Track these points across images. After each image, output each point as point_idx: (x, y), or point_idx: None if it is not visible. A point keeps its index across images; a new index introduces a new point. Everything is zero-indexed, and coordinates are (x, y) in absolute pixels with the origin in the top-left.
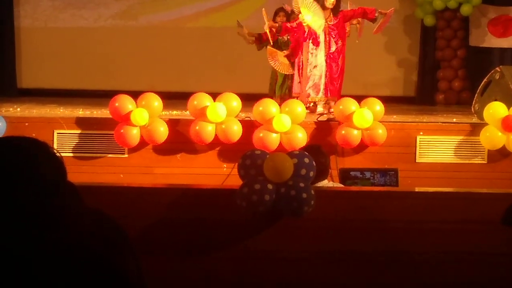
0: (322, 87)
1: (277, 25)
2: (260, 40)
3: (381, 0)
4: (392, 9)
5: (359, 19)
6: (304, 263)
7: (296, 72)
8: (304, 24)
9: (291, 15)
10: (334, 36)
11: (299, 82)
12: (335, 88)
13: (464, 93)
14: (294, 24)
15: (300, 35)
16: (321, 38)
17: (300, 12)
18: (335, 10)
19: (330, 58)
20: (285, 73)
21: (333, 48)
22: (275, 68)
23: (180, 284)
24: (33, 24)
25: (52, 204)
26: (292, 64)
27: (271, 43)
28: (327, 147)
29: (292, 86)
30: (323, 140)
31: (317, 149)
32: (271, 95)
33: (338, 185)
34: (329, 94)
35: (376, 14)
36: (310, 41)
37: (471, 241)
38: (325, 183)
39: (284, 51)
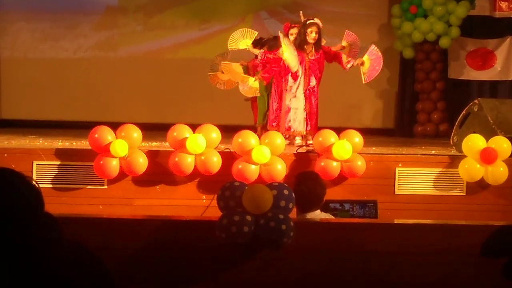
0: (302, 121)
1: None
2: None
3: (360, 32)
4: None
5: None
6: None
7: (272, 103)
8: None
9: (272, 48)
10: (314, 70)
11: (275, 112)
12: (314, 122)
13: (442, 125)
14: (272, 55)
15: (280, 67)
16: (300, 73)
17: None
18: (317, 45)
19: (310, 92)
20: (252, 95)
21: (313, 83)
22: (243, 93)
23: None
24: (12, 55)
25: (30, 235)
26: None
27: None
28: None
29: (269, 117)
30: (305, 171)
31: (314, 178)
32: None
33: (329, 216)
34: (308, 128)
35: (349, 66)
36: (289, 74)
37: (450, 273)
38: (317, 213)
39: (255, 76)
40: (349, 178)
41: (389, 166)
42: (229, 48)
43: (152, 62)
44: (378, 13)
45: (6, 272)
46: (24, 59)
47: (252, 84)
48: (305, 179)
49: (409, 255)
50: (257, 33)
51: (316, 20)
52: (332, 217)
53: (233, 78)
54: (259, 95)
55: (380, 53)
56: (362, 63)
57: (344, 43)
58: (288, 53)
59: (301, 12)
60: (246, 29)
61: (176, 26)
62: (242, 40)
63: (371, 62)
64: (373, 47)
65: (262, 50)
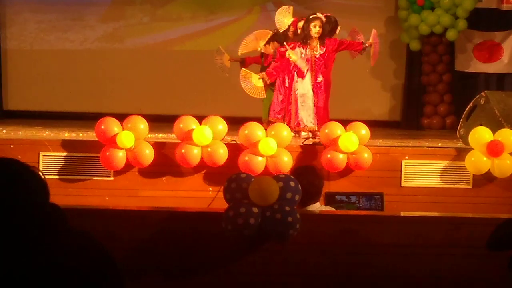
0: (311, 117)
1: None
2: (244, 65)
3: (366, 24)
4: (374, 30)
5: (371, 42)
6: (290, 287)
7: (277, 97)
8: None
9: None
10: (320, 66)
11: (281, 104)
12: (323, 116)
13: (449, 117)
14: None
15: (286, 64)
16: (306, 69)
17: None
18: (322, 39)
19: (317, 88)
20: (256, 96)
21: (319, 79)
22: (246, 91)
23: None
24: (19, 46)
25: (36, 226)
26: (263, 89)
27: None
28: None
29: (270, 111)
30: (309, 163)
31: (312, 171)
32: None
33: (330, 208)
34: (317, 122)
35: (364, 46)
36: (296, 71)
37: (456, 265)
38: (317, 206)
39: (259, 74)
40: (356, 171)
41: (395, 158)
42: (239, 53)
43: (159, 53)
44: (385, 5)
45: (13, 263)
46: (30, 51)
47: (256, 83)
48: (304, 173)
49: (415, 248)
50: (270, 32)
51: (319, 15)
52: (333, 209)
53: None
54: (265, 97)
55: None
56: (370, 45)
57: (371, 40)
58: (293, 55)
59: (291, 7)
60: (242, 73)
61: (182, 17)
62: (250, 79)
63: (374, 45)
64: (374, 31)
65: (272, 50)
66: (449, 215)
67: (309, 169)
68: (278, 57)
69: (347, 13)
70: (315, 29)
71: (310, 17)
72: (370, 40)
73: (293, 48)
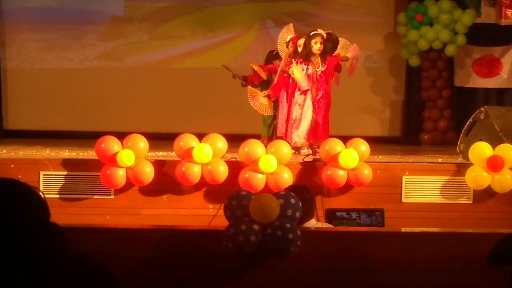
0: (304, 132)
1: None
2: (246, 82)
3: (366, 41)
4: (355, 45)
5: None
6: None
7: (281, 112)
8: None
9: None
10: (321, 83)
11: (285, 123)
12: (323, 132)
13: (449, 133)
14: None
15: (286, 80)
16: (308, 86)
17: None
18: (323, 55)
19: (318, 103)
20: (264, 113)
21: (320, 95)
22: (255, 108)
23: None
24: (19, 65)
25: (37, 245)
26: (272, 105)
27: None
28: (313, 187)
29: (277, 126)
30: (309, 180)
31: (303, 189)
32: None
33: (326, 225)
34: (312, 137)
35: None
36: (297, 88)
37: (457, 281)
38: (313, 223)
39: (264, 91)
40: (356, 187)
41: (395, 174)
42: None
43: (158, 71)
44: (384, 21)
45: (14, 282)
46: (30, 70)
47: (263, 101)
48: (297, 192)
49: (416, 264)
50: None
51: (320, 31)
52: (329, 225)
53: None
54: (272, 113)
55: (359, 50)
56: (346, 59)
57: (349, 55)
58: (297, 73)
59: (291, 24)
60: (249, 90)
61: (182, 35)
62: (257, 97)
63: (352, 58)
64: (354, 45)
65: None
66: (450, 230)
67: (298, 187)
68: (280, 74)
69: (346, 29)
70: (316, 46)
71: (311, 33)
72: (348, 55)
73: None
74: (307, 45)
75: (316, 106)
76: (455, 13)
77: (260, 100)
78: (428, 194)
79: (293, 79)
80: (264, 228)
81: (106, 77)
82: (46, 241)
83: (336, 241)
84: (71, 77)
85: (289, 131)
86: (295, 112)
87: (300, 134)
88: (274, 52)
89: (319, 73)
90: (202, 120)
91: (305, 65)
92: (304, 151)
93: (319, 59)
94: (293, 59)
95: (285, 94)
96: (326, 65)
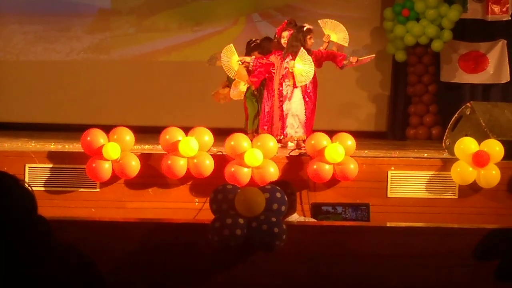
0: (299, 126)
1: (249, 59)
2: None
3: (352, 35)
4: (373, 56)
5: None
6: None
7: (264, 105)
8: (289, 69)
9: (264, 49)
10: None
11: (267, 116)
12: (310, 125)
13: (435, 128)
14: (264, 61)
15: (270, 72)
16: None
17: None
18: (309, 50)
19: (308, 96)
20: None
21: (310, 88)
22: (232, 96)
23: None
24: (5, 57)
25: (23, 238)
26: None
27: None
28: (299, 181)
29: (261, 119)
30: (295, 174)
31: (285, 184)
32: (246, 130)
33: (309, 219)
34: (305, 132)
35: (345, 62)
36: (285, 80)
37: (443, 276)
38: (295, 217)
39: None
40: (342, 181)
41: (381, 169)
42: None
43: (145, 64)
44: (371, 16)
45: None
46: (16, 62)
47: (241, 88)
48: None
49: (401, 258)
50: (231, 45)
51: (309, 26)
52: (313, 220)
53: (240, 79)
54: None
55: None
56: (357, 62)
57: (362, 58)
58: (301, 65)
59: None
60: (228, 47)
61: (169, 28)
62: (231, 58)
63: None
64: (372, 56)
65: (253, 57)
66: (435, 225)
67: (280, 182)
68: (255, 66)
69: None
70: (310, 41)
71: (305, 28)
72: (361, 58)
73: (283, 59)
74: (300, 40)
75: (307, 99)
76: (442, 8)
77: (239, 88)
78: (413, 189)
79: (273, 72)
80: (249, 222)
81: (93, 70)
82: (33, 234)
83: (322, 235)
84: (58, 69)
85: (276, 124)
86: (286, 106)
87: (298, 128)
88: (253, 44)
89: None
90: (188, 114)
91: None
92: (291, 144)
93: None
94: (289, 55)
95: (267, 90)
96: (312, 56)
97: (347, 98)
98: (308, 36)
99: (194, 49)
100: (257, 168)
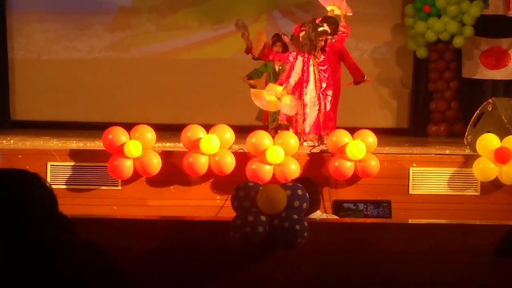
0: (312, 126)
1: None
2: (247, 51)
3: (373, 31)
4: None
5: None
6: None
7: None
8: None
9: (287, 46)
10: (324, 73)
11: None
12: (329, 123)
13: (456, 124)
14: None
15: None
16: (311, 77)
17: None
18: (323, 49)
19: (324, 96)
20: (273, 110)
21: (324, 85)
22: (263, 108)
23: None
24: (26, 56)
25: (45, 236)
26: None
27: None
28: (320, 178)
29: (280, 114)
30: (316, 172)
31: (308, 181)
32: (259, 121)
33: (332, 216)
34: (323, 130)
35: (360, 80)
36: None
37: (465, 272)
38: (318, 214)
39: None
40: (363, 178)
41: (403, 166)
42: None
43: (166, 62)
44: (392, 12)
45: (22, 273)
46: (37, 60)
47: (269, 98)
48: (302, 185)
49: (423, 255)
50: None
51: (326, 27)
52: (335, 216)
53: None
54: (280, 109)
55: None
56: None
57: (329, 8)
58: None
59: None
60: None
61: (189, 26)
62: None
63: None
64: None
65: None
66: (457, 222)
67: (303, 179)
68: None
69: (354, 20)
70: (320, 44)
71: (320, 29)
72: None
73: (296, 57)
74: (312, 40)
75: (323, 97)
76: (463, 4)
77: (266, 99)
78: (435, 185)
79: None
80: (271, 219)
81: (114, 68)
82: (54, 231)
83: (343, 232)
84: (79, 67)
85: (299, 123)
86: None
87: (314, 127)
88: (274, 38)
89: (320, 63)
90: (210, 111)
91: (307, 58)
92: (311, 142)
93: (319, 51)
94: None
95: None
96: (326, 55)
97: (369, 95)
98: (320, 38)
99: (214, 47)
100: (279, 165)
